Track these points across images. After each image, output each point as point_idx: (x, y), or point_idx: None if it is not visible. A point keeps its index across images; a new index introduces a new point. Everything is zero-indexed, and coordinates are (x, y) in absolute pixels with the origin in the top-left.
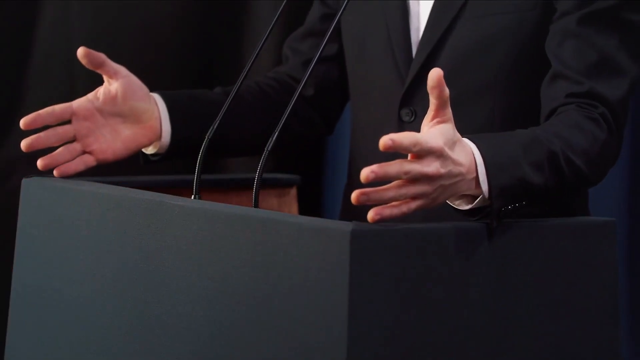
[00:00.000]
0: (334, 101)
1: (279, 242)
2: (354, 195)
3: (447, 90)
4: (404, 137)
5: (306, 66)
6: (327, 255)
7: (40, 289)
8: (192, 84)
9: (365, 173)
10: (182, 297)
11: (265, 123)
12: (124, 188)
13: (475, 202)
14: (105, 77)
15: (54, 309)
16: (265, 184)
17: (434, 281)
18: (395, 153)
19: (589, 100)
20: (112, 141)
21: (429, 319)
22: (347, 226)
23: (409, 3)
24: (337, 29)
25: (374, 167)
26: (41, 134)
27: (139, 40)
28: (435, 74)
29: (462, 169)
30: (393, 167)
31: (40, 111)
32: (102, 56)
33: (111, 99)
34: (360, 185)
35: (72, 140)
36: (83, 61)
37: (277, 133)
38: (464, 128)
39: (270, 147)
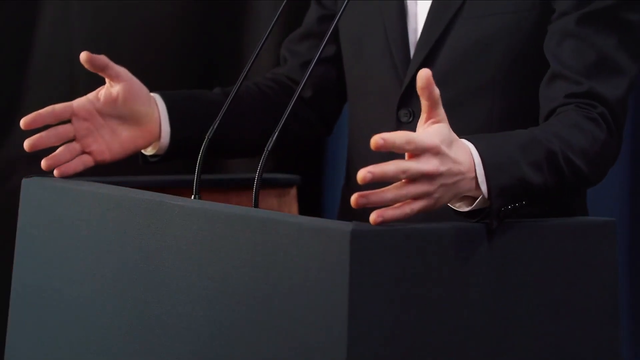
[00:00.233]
0: (333, 102)
1: (279, 242)
2: (353, 198)
3: (437, 90)
4: (397, 135)
5: (304, 68)
6: (327, 255)
7: (40, 289)
8: (192, 84)
9: (362, 174)
10: (182, 297)
11: (264, 124)
12: (124, 188)
13: (475, 203)
14: (107, 80)
15: (54, 309)
16: (265, 184)
17: (434, 281)
18: (393, 154)
19: (588, 100)
20: (111, 142)
21: (429, 319)
22: (347, 226)
23: (406, 3)
24: (335, 30)
25: (370, 168)
26: (42, 133)
27: (139, 40)
28: (424, 75)
29: (462, 168)
30: (390, 166)
31: (41, 111)
32: (104, 59)
33: (112, 101)
34: (359, 186)
35: (71, 139)
36: (86, 65)
37: (276, 133)
38: (463, 129)
39: (270, 147)
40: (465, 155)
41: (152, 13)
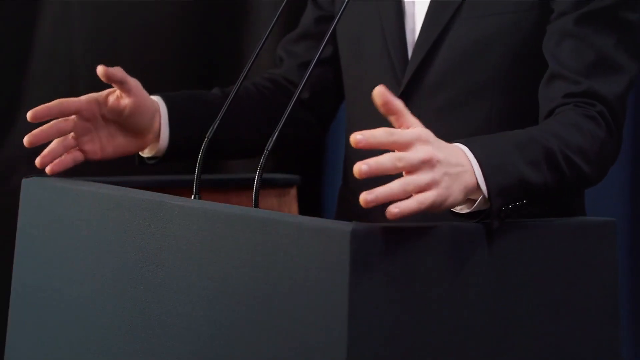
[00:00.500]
0: (329, 103)
1: (279, 242)
2: (362, 198)
3: (397, 102)
4: (376, 130)
5: (302, 68)
6: (327, 255)
7: (40, 289)
8: (192, 84)
9: (358, 166)
10: (182, 297)
11: (262, 125)
12: (124, 188)
13: (476, 204)
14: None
15: (54, 309)
16: (265, 184)
17: (433, 281)
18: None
19: (586, 99)
20: (105, 144)
21: (428, 319)
22: (347, 226)
23: (404, 3)
24: (333, 31)
25: (366, 160)
26: (43, 127)
27: (139, 40)
28: (378, 92)
29: (460, 160)
30: (384, 157)
31: (49, 104)
32: (120, 73)
33: (118, 111)
34: (356, 187)
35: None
36: (103, 78)
37: (276, 133)
38: (462, 129)
39: (270, 147)
40: (460, 154)
41: (152, 13)
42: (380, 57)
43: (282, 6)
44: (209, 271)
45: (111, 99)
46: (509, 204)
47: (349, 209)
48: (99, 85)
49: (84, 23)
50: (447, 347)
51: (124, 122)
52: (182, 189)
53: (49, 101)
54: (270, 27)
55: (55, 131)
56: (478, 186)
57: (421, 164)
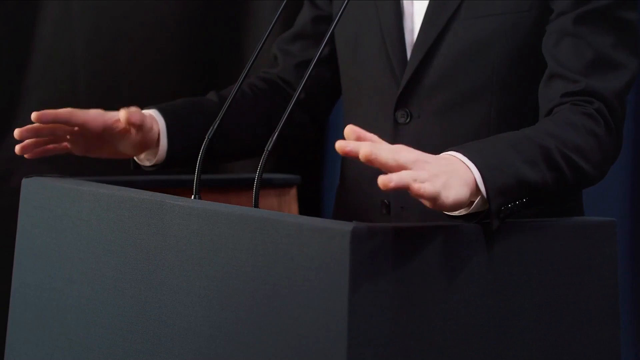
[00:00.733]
0: (324, 103)
1: (279, 242)
2: (381, 181)
3: (369, 135)
4: (382, 149)
5: (298, 68)
6: (327, 255)
7: (40, 288)
8: (193, 84)
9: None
10: (182, 297)
11: (258, 127)
12: (124, 188)
13: (474, 204)
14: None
15: (54, 309)
16: (265, 184)
17: (433, 281)
18: None
19: (584, 97)
20: (93, 150)
21: (428, 319)
22: (347, 226)
23: (402, 3)
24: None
25: (389, 176)
26: (38, 127)
27: (140, 40)
28: (347, 132)
29: (453, 162)
30: (384, 150)
31: (58, 111)
32: (140, 117)
33: (121, 139)
34: (353, 187)
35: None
36: (125, 124)
37: (276, 134)
38: (461, 129)
39: (270, 147)
40: (452, 159)
41: (152, 13)
42: (379, 58)
43: (282, 6)
44: (209, 271)
45: (119, 125)
46: (509, 203)
47: (346, 209)
48: (100, 85)
49: (84, 23)
50: (447, 347)
51: (123, 148)
52: (182, 189)
53: (49, 101)
54: (270, 27)
55: (50, 132)
56: (477, 186)
57: (413, 163)
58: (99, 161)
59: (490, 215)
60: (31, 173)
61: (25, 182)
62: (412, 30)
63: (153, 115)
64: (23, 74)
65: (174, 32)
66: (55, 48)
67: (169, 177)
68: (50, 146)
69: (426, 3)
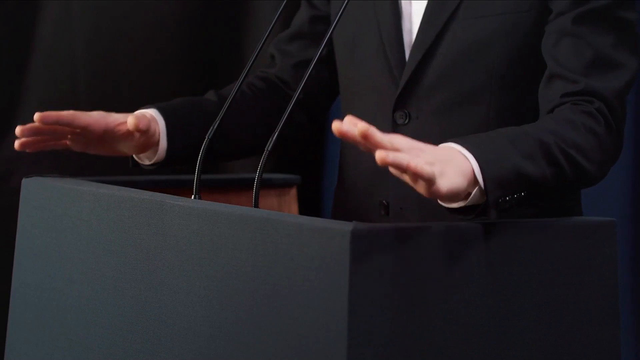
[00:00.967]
0: (322, 103)
1: (279, 242)
2: (379, 155)
3: (370, 128)
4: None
5: (296, 68)
6: (327, 255)
7: (40, 288)
8: (193, 84)
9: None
10: (182, 297)
11: (257, 126)
12: (124, 188)
13: (471, 196)
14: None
15: (54, 309)
16: (265, 184)
17: (433, 281)
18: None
19: (584, 97)
20: (92, 149)
21: (428, 318)
22: (347, 226)
23: (400, 3)
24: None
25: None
26: (39, 128)
27: (140, 40)
28: (346, 120)
29: (450, 152)
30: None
31: (62, 113)
32: (146, 122)
33: (124, 142)
34: (352, 188)
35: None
36: (132, 129)
37: (276, 134)
38: (459, 130)
39: (270, 147)
40: (450, 150)
41: (152, 13)
42: (377, 58)
43: (282, 6)
44: (209, 271)
45: (120, 129)
46: (507, 196)
47: (345, 210)
48: (99, 85)
49: (84, 23)
50: (447, 347)
51: (121, 147)
52: (182, 189)
53: (49, 101)
54: (270, 27)
55: (51, 132)
56: (474, 177)
57: (408, 149)
58: (99, 161)
59: (487, 207)
60: (31, 173)
61: (25, 182)
62: (410, 31)
63: (153, 115)
64: (23, 74)
65: (174, 32)
66: (55, 48)
67: (169, 177)
68: (50, 142)
69: (424, 3)
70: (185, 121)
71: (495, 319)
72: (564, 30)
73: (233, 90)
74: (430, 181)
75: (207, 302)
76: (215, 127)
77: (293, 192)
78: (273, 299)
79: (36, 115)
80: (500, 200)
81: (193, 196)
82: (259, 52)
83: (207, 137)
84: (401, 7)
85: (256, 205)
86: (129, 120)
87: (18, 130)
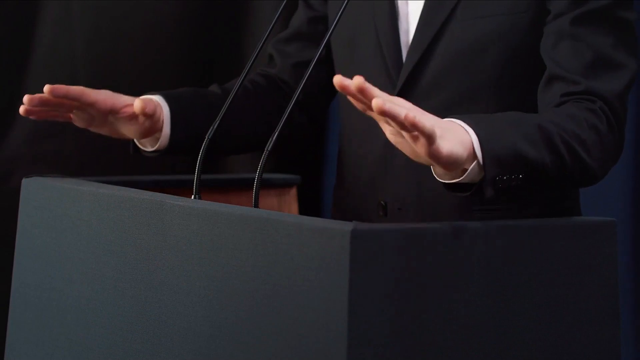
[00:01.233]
0: (321, 103)
1: (279, 242)
2: (375, 102)
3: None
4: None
5: (295, 68)
6: (327, 255)
7: (40, 288)
8: (193, 84)
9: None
10: (182, 297)
11: (258, 122)
12: (124, 188)
13: (468, 171)
14: (137, 111)
15: (54, 309)
16: (265, 184)
17: (433, 281)
18: (382, 158)
19: (585, 96)
20: (95, 127)
21: (428, 318)
22: (347, 226)
23: (397, 3)
24: (325, 31)
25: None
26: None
27: (140, 40)
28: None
29: (446, 121)
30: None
31: (71, 88)
32: (152, 107)
33: (128, 125)
34: (350, 188)
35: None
36: (138, 112)
37: (276, 134)
38: None
39: (270, 147)
40: (452, 123)
41: (152, 13)
42: (374, 58)
43: (282, 6)
44: (209, 271)
45: (126, 111)
46: (504, 175)
47: (343, 211)
48: (99, 85)
49: (84, 23)
50: (447, 347)
51: (124, 129)
52: (182, 189)
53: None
54: (270, 27)
55: (58, 104)
56: (473, 151)
57: (408, 106)
58: (99, 161)
59: (484, 185)
60: (31, 173)
61: (25, 182)
62: (407, 31)
63: (157, 101)
64: (23, 74)
65: (174, 32)
66: (55, 48)
67: (169, 177)
68: (54, 113)
69: (421, 3)
70: (189, 110)
71: (495, 319)
72: (563, 32)
73: (235, 86)
74: (430, 138)
75: (207, 302)
76: (215, 127)
77: (293, 192)
78: (273, 299)
79: (46, 87)
80: (497, 178)
81: (193, 196)
82: (259, 52)
83: (207, 137)
84: (398, 7)
85: (256, 205)
86: (136, 103)
87: (26, 98)
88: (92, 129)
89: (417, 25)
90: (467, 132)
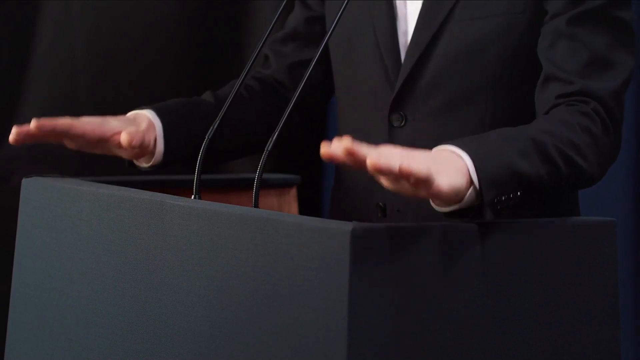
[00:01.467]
0: (318, 103)
1: (279, 242)
2: (370, 159)
3: (353, 143)
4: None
5: (291, 69)
6: (327, 255)
7: (40, 288)
8: (193, 84)
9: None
10: (182, 297)
11: (254, 127)
12: (124, 188)
13: (466, 197)
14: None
15: (54, 309)
16: (265, 184)
17: (433, 281)
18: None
19: (580, 97)
20: (87, 149)
21: (428, 318)
22: (347, 226)
23: (395, 4)
24: (322, 32)
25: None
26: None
27: (140, 40)
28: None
29: (444, 154)
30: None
31: (58, 122)
32: (139, 138)
33: (120, 149)
34: (348, 189)
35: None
36: (126, 146)
37: (275, 134)
38: (456, 132)
39: (270, 147)
40: (443, 152)
41: (152, 13)
42: (372, 59)
43: (282, 6)
44: (209, 271)
45: (115, 139)
46: (502, 195)
47: (342, 212)
48: (99, 85)
49: (84, 23)
50: (447, 347)
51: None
52: (182, 189)
53: (49, 101)
54: (270, 27)
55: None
56: (470, 176)
57: (399, 154)
58: (99, 161)
59: (483, 208)
60: (31, 173)
61: (25, 182)
62: (406, 32)
63: (149, 117)
64: (23, 74)
65: (174, 32)
66: (55, 48)
67: (169, 177)
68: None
69: (419, 3)
70: (182, 123)
71: (495, 319)
72: (560, 32)
73: (233, 91)
74: (428, 180)
75: (207, 302)
76: (215, 127)
77: (293, 192)
78: (273, 299)
79: (33, 122)
80: (495, 200)
81: (193, 196)
82: (258, 52)
83: (206, 137)
84: (396, 8)
85: (256, 205)
86: (122, 137)
87: (13, 130)
88: (85, 151)
89: (415, 25)
90: (460, 157)
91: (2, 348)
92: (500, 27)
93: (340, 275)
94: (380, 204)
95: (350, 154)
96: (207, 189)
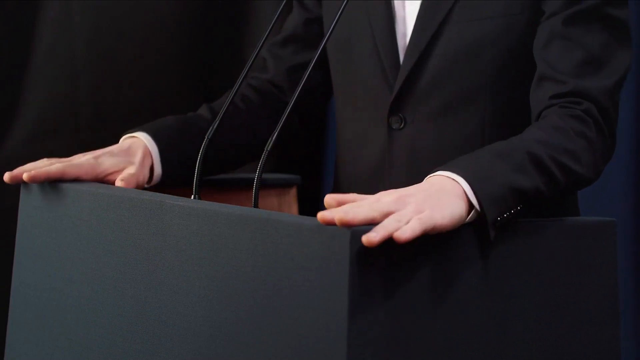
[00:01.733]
0: (316, 105)
1: (279, 242)
2: (366, 239)
3: (346, 196)
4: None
5: (289, 73)
6: (327, 255)
7: (40, 288)
8: (193, 84)
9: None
10: (182, 297)
11: (253, 140)
12: (124, 188)
13: (469, 216)
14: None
15: (54, 309)
16: (265, 184)
17: (434, 281)
18: (379, 162)
19: (572, 98)
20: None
21: (428, 319)
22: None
23: (393, 4)
24: (321, 34)
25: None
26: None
27: (140, 40)
28: (327, 201)
29: (435, 181)
30: (363, 204)
31: (51, 172)
32: (135, 181)
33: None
34: (347, 189)
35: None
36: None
37: (275, 135)
38: (455, 133)
39: (269, 147)
40: (434, 179)
41: (152, 13)
42: (371, 60)
43: (282, 6)
44: (209, 271)
45: (110, 179)
46: (504, 213)
47: None
48: (99, 85)
49: (84, 23)
50: (447, 347)
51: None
52: (182, 189)
53: (50, 101)
54: (270, 27)
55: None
56: (469, 200)
57: (393, 203)
58: None
59: (486, 226)
60: None
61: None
62: (405, 34)
63: (145, 143)
64: (23, 74)
65: (174, 32)
66: (55, 48)
67: None
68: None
69: (418, 4)
70: (179, 146)
71: (495, 319)
72: (555, 32)
73: (225, 103)
74: (427, 231)
75: (207, 302)
76: (215, 127)
77: (293, 192)
78: (273, 299)
79: (25, 175)
80: (498, 219)
81: (193, 196)
82: (258, 52)
83: (206, 137)
84: (394, 9)
85: (256, 205)
86: (117, 184)
87: (6, 176)
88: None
89: (413, 27)
90: (457, 182)
91: (2, 348)
92: (499, 28)
93: (340, 276)
94: None
95: (345, 225)
96: (207, 189)
